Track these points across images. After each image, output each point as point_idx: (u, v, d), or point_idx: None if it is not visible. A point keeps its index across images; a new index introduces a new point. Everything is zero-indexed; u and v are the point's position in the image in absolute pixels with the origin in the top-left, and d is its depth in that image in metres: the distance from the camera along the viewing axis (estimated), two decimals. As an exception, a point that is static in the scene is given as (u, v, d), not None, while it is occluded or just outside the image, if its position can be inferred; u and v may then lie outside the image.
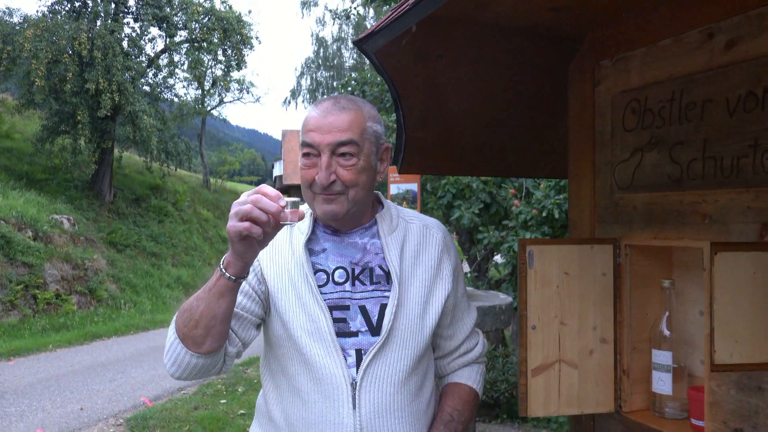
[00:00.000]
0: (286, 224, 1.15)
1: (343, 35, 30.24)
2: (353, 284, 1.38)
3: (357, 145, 1.32)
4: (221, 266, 1.22)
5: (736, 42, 1.51)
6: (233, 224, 1.13)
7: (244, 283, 1.35)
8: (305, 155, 1.34)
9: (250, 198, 1.12)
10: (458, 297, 1.50)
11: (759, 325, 1.39)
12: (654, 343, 1.78)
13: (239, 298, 1.34)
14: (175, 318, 1.32)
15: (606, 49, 1.90)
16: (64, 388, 6.62)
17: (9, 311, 9.66)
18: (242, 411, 5.84)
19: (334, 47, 31.37)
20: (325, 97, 1.41)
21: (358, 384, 1.32)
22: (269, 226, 1.13)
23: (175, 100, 20.65)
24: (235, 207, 1.14)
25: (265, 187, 1.14)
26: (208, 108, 25.31)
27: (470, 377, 1.55)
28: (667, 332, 1.76)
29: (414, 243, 1.44)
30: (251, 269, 1.38)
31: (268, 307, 1.41)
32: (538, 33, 1.95)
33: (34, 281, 10.32)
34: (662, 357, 1.75)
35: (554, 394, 1.82)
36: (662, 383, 1.75)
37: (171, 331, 1.32)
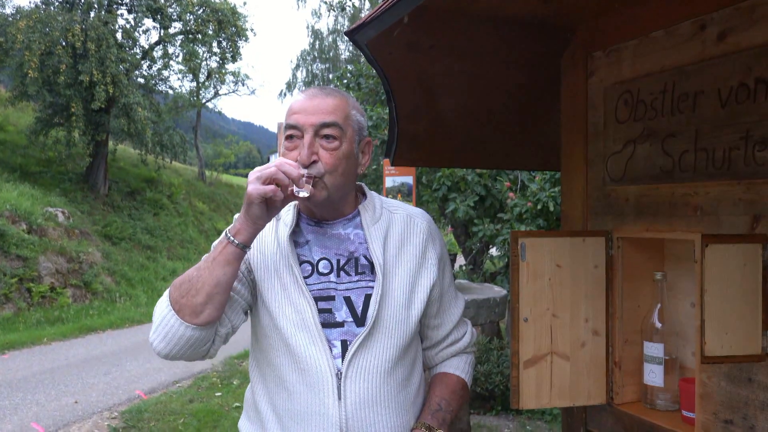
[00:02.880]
0: (300, 193, 1.25)
1: (338, 27, 30.10)
2: (338, 275, 1.39)
3: (340, 129, 1.34)
4: (228, 235, 1.26)
5: (728, 33, 1.50)
6: (256, 187, 1.21)
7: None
8: (288, 138, 1.35)
9: (274, 163, 1.22)
10: (445, 286, 1.49)
11: (749, 317, 1.39)
12: (646, 336, 1.79)
13: (234, 284, 1.35)
14: (167, 293, 1.31)
15: (598, 41, 1.89)
16: (59, 382, 6.61)
17: (3, 304, 9.63)
18: (237, 404, 5.85)
19: (330, 39, 31.25)
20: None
21: (343, 374, 1.31)
22: (288, 191, 1.23)
23: (170, 92, 20.61)
24: (256, 173, 1.22)
25: (285, 159, 1.26)
26: (203, 100, 25.21)
27: (458, 367, 1.55)
28: (658, 324, 1.76)
29: (398, 233, 1.44)
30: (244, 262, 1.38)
31: (255, 296, 1.41)
32: (531, 24, 1.94)
33: (29, 274, 10.29)
34: (654, 349, 1.75)
35: (546, 387, 1.82)
36: (654, 375, 1.76)
37: (162, 306, 1.30)
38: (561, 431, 2.13)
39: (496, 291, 4.39)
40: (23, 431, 5.16)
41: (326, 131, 1.32)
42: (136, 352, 8.12)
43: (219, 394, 6.25)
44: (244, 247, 1.26)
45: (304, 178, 1.25)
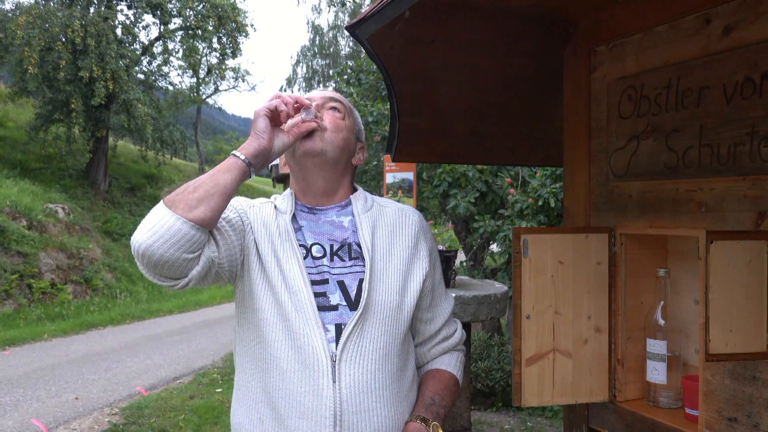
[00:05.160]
0: (307, 116, 1.38)
1: (339, 23, 30.06)
2: (331, 260, 1.41)
3: (346, 110, 1.49)
4: (234, 151, 1.33)
5: (734, 28, 1.48)
6: (264, 105, 1.34)
7: (232, 219, 1.37)
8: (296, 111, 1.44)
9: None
10: (436, 280, 1.52)
11: (754, 314, 1.38)
12: (648, 333, 1.77)
13: (226, 225, 1.35)
14: (164, 198, 1.28)
15: (601, 35, 1.87)
16: (59, 378, 6.61)
17: (4, 301, 9.64)
18: (238, 400, 5.84)
19: (330, 35, 31.23)
20: None
21: (338, 358, 1.31)
22: (292, 110, 1.36)
23: (170, 88, 20.61)
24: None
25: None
26: (204, 96, 25.22)
27: (450, 364, 1.56)
28: (661, 321, 1.74)
29: (389, 223, 1.48)
30: (241, 220, 1.40)
31: (242, 258, 1.39)
32: (533, 18, 1.93)
33: (29, 270, 10.30)
34: (657, 346, 1.74)
35: (548, 384, 1.81)
36: (657, 372, 1.74)
37: (157, 206, 1.27)
38: (562, 428, 2.12)
39: (497, 287, 4.38)
40: (24, 427, 5.16)
41: (333, 104, 1.47)
42: (136, 349, 8.12)
43: (219, 390, 6.24)
44: (246, 159, 1.30)
45: (311, 110, 1.38)
